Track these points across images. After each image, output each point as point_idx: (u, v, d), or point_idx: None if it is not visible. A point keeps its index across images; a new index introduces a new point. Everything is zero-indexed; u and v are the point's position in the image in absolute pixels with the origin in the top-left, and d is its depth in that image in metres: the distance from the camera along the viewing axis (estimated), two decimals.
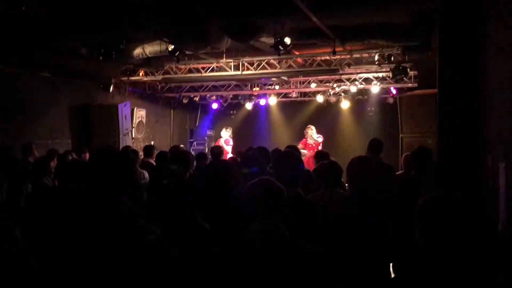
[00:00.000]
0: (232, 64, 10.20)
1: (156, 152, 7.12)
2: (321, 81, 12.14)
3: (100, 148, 7.33)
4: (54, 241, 2.25)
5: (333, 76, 11.45)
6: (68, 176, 4.01)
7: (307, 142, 10.30)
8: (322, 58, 9.69)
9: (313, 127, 10.44)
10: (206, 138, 14.76)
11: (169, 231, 2.33)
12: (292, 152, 3.59)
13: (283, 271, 2.17)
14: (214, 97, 13.85)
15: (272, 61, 9.96)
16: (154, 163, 6.72)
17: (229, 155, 10.11)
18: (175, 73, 10.89)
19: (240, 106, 14.61)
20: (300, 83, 12.35)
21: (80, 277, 2.08)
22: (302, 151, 9.03)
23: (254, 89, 12.87)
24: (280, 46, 7.06)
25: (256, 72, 10.14)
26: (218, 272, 2.27)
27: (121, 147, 10.00)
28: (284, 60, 9.94)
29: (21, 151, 7.06)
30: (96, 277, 2.06)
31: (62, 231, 2.26)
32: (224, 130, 12.09)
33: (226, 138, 11.82)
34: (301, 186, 3.21)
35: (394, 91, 11.57)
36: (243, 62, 10.10)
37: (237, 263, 2.26)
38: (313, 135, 10.28)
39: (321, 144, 10.18)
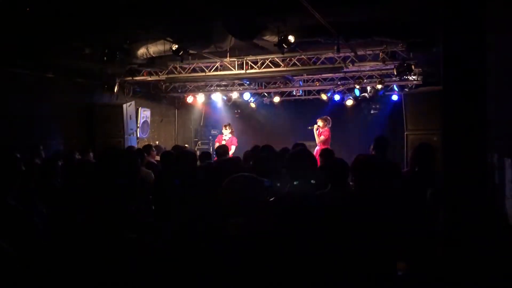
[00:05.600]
0: (236, 63, 10.20)
1: (155, 151, 7.20)
2: (325, 79, 12.11)
3: (108, 148, 7.35)
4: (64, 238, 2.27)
5: (337, 74, 11.42)
6: (77, 176, 4.03)
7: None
8: (326, 56, 9.66)
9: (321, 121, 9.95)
10: (210, 137, 14.75)
11: (180, 229, 2.34)
12: (306, 151, 3.55)
13: (261, 265, 2.19)
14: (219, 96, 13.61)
15: (276, 59, 9.94)
16: (154, 162, 6.81)
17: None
18: (179, 72, 10.88)
19: (245, 104, 14.61)
20: (304, 82, 12.32)
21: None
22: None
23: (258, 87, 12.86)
24: (283, 44, 7.02)
25: (260, 70, 10.11)
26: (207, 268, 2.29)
27: (125, 147, 10.01)
28: (288, 59, 9.90)
29: (29, 152, 6.99)
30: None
31: (70, 229, 2.28)
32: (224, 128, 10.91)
33: (229, 137, 10.66)
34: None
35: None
36: (247, 60, 10.10)
37: (218, 257, 2.28)
38: (320, 128, 9.84)
39: (326, 138, 9.67)
